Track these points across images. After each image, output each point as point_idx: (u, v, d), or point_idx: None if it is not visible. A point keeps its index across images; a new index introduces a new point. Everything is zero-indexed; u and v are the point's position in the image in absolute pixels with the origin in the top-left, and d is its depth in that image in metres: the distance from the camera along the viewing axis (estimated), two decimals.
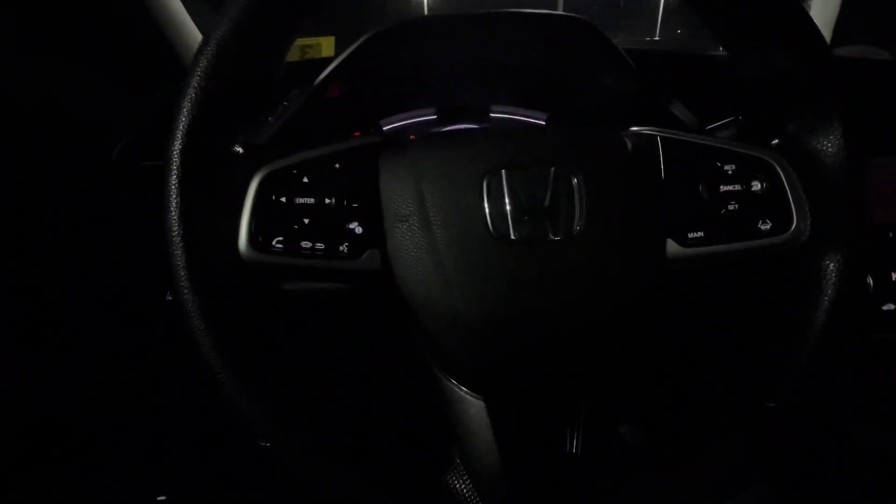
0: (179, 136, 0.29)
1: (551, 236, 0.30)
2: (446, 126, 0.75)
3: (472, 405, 0.33)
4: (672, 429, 0.48)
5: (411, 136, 0.74)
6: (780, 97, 0.35)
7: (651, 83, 0.57)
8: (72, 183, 0.51)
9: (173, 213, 0.28)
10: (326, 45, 0.82)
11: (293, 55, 0.77)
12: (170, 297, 0.51)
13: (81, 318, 0.54)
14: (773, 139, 0.36)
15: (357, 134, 0.71)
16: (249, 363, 0.30)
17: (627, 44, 0.65)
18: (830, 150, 0.33)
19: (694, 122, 0.58)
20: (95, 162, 0.51)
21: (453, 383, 0.33)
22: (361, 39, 0.54)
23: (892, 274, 0.51)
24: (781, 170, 0.33)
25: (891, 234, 0.52)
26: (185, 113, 0.29)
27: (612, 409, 0.35)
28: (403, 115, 0.73)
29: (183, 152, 0.29)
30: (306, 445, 0.30)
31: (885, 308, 0.50)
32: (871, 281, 0.50)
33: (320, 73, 0.58)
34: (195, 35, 0.62)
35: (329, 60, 0.60)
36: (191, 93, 0.29)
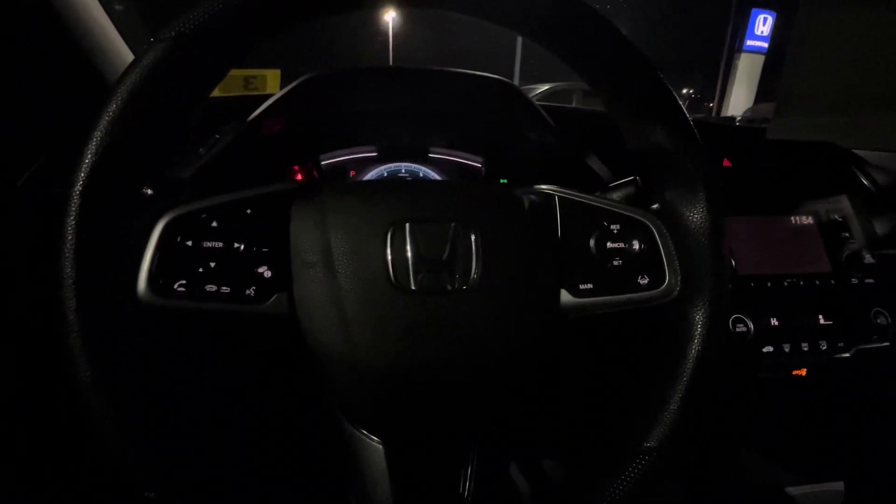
0: (82, 177, 0.29)
1: (448, 287, 0.33)
2: (386, 164, 0.78)
3: (371, 449, 0.34)
4: (562, 469, 0.51)
5: (351, 173, 0.76)
6: (657, 168, 0.39)
7: (569, 139, 0.62)
8: None
9: (67, 254, 0.28)
10: (272, 78, 0.83)
11: (236, 88, 0.78)
12: None
13: None
14: (654, 203, 0.40)
15: (297, 168, 0.72)
16: (139, 414, 0.29)
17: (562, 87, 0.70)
18: (696, 218, 0.37)
19: (607, 175, 0.64)
20: None
21: (353, 427, 0.34)
22: (296, 82, 0.56)
23: (772, 320, 0.58)
24: (657, 231, 0.38)
25: (769, 285, 0.59)
26: (91, 154, 0.29)
27: (503, 452, 0.37)
28: (343, 150, 0.75)
29: (84, 193, 0.29)
30: (196, 497, 0.29)
31: (765, 350, 0.57)
32: (751, 326, 0.56)
33: (258, 104, 0.59)
34: (123, 57, 0.61)
35: (269, 97, 0.61)
36: (97, 134, 0.29)
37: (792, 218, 0.64)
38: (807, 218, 0.64)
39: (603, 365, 0.51)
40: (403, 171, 0.78)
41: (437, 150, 0.78)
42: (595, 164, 0.64)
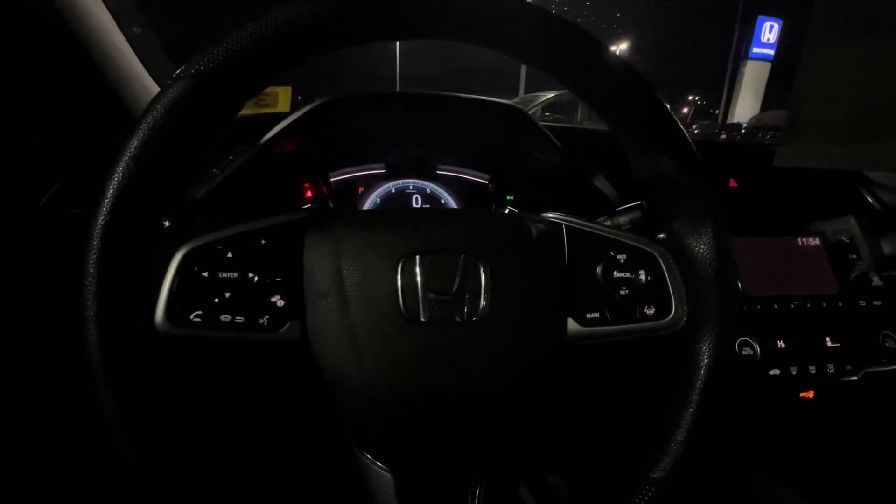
0: (104, 212, 0.29)
1: (458, 318, 0.33)
2: (394, 180, 0.79)
3: (380, 476, 0.34)
4: (569, 495, 0.51)
5: (360, 189, 0.77)
6: (663, 196, 0.40)
7: (575, 159, 0.63)
8: None
9: (89, 288, 0.29)
10: (283, 95, 0.84)
11: (248, 105, 0.79)
12: None
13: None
14: (661, 232, 0.41)
15: (307, 185, 0.73)
16: (158, 444, 0.30)
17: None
18: (703, 249, 0.38)
19: (615, 196, 0.64)
20: (21, 208, 0.50)
21: (363, 454, 0.35)
22: (311, 105, 0.57)
23: (779, 342, 0.58)
24: (663, 262, 0.38)
25: (776, 307, 0.59)
26: (112, 189, 0.30)
27: (511, 478, 0.37)
28: (353, 168, 0.76)
29: (105, 227, 0.29)
30: None
31: (771, 373, 0.57)
32: (758, 349, 0.56)
33: (270, 123, 0.60)
34: (141, 80, 0.62)
35: (280, 115, 0.62)
36: (119, 170, 0.30)
37: (799, 239, 0.64)
38: (814, 239, 0.64)
39: (610, 393, 0.51)
40: (411, 187, 0.79)
41: (444, 167, 0.79)
42: (602, 184, 0.64)
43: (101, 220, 0.30)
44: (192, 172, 0.35)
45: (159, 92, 0.31)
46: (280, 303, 0.34)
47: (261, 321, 0.33)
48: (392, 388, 0.32)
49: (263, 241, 0.34)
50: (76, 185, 0.53)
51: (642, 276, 0.38)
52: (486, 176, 0.78)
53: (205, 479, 0.32)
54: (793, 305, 0.60)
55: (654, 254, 0.38)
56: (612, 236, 0.39)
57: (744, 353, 0.56)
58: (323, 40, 0.31)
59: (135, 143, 0.30)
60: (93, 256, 0.29)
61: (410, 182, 0.79)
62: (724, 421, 0.56)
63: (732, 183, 0.67)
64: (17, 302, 0.50)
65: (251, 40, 0.31)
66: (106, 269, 0.29)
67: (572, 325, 0.37)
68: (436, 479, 0.34)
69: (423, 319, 0.33)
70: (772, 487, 0.60)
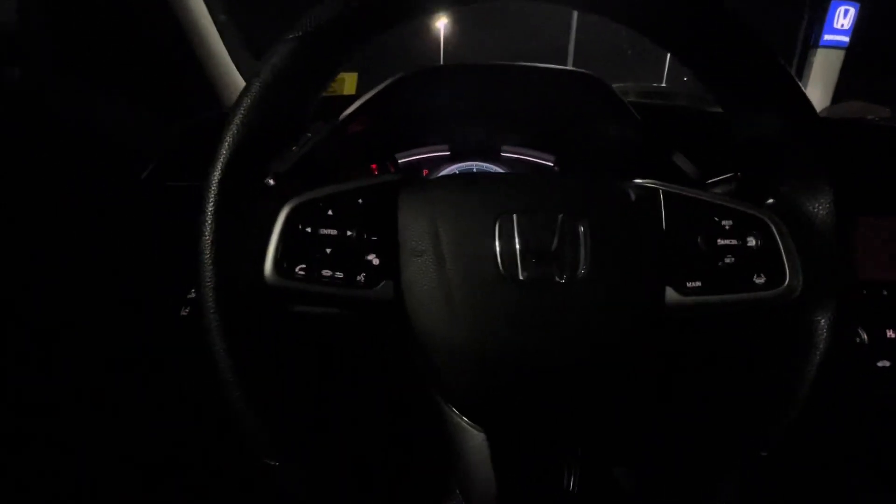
0: (219, 167, 0.31)
1: (557, 279, 0.32)
2: (458, 162, 0.79)
3: (474, 437, 0.34)
4: (668, 472, 0.48)
5: (424, 171, 0.78)
6: (773, 159, 0.37)
7: (654, 135, 0.60)
8: (103, 199, 0.54)
9: (207, 238, 0.31)
10: (349, 81, 0.86)
11: None
12: (185, 313, 0.52)
13: (106, 324, 0.56)
14: (769, 198, 0.38)
15: (374, 166, 0.74)
16: (263, 386, 0.31)
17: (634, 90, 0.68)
18: (821, 212, 0.35)
19: (695, 173, 0.61)
20: (126, 181, 0.54)
21: (457, 415, 0.34)
22: (386, 82, 0.58)
23: (888, 331, 0.52)
24: (775, 228, 0.35)
25: (885, 293, 0.54)
26: (226, 148, 0.31)
27: (609, 449, 0.36)
28: (418, 150, 0.77)
29: (221, 182, 0.31)
30: (311, 470, 0.31)
31: (880, 365, 0.51)
32: (865, 337, 0.51)
33: (338, 105, 0.62)
34: (230, 71, 0.66)
35: (349, 97, 0.64)
36: (232, 129, 0.31)
37: None
38: None
39: (712, 367, 0.48)
40: (475, 169, 0.79)
41: (509, 148, 0.78)
42: (682, 161, 0.61)
43: (216, 175, 0.31)
44: (294, 133, 0.36)
45: (268, 53, 0.32)
46: (375, 261, 0.34)
47: (358, 278, 0.34)
48: (487, 346, 0.32)
49: (361, 201, 0.35)
50: (172, 160, 0.56)
51: (751, 242, 0.35)
52: (552, 157, 0.77)
53: (305, 430, 0.33)
54: None
55: (765, 219, 0.36)
56: (715, 201, 0.37)
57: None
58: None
59: (246, 102, 0.32)
60: (210, 209, 0.31)
61: (474, 164, 0.78)
62: (827, 413, 0.51)
63: None
64: (128, 262, 0.54)
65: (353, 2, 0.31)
66: (222, 221, 0.31)
67: (671, 294, 0.35)
68: (532, 442, 0.34)
69: (521, 278, 0.32)
70: (876, 490, 0.55)
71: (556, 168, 0.76)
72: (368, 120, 0.64)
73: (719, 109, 0.62)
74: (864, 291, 0.54)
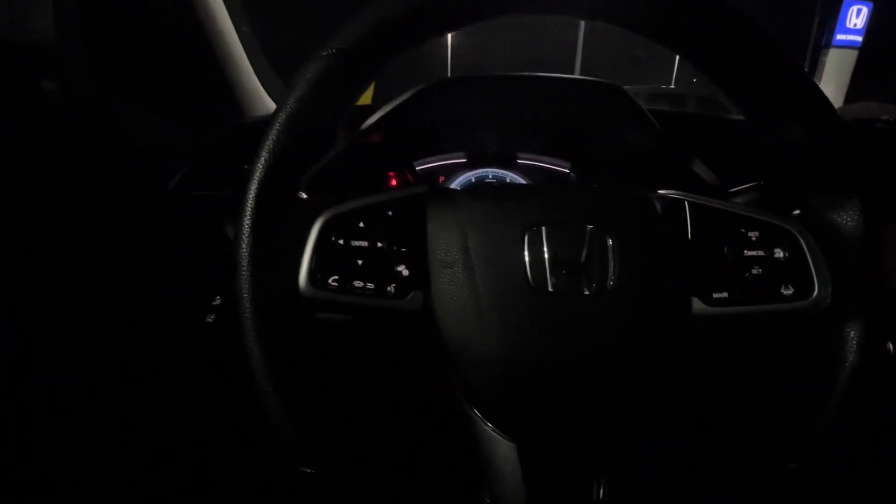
0: (256, 182, 0.32)
1: (585, 290, 0.33)
2: (474, 170, 0.79)
3: (504, 447, 0.34)
4: (697, 484, 0.48)
5: (440, 178, 0.79)
6: (797, 168, 0.37)
7: (673, 142, 0.60)
8: (132, 208, 0.55)
9: (244, 251, 0.31)
10: (366, 92, 0.87)
11: None
12: (210, 319, 0.53)
13: (133, 329, 0.57)
14: (794, 208, 0.38)
15: (392, 174, 0.75)
16: (299, 395, 0.32)
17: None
18: (849, 223, 0.35)
19: (714, 182, 0.61)
20: (154, 190, 0.56)
21: (487, 425, 0.35)
22: (409, 93, 0.59)
23: None
24: (802, 239, 0.35)
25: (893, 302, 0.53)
26: (263, 162, 0.32)
27: (637, 460, 0.36)
28: (435, 157, 0.78)
29: (257, 197, 0.32)
30: (344, 477, 0.32)
31: None
32: (891, 347, 0.51)
33: (356, 115, 0.63)
34: (252, 81, 0.67)
35: (366, 107, 0.65)
36: (268, 144, 0.32)
37: None
38: None
39: (740, 379, 0.48)
40: (490, 176, 0.79)
41: (524, 155, 0.79)
42: (701, 169, 0.61)
43: (253, 189, 0.32)
44: (326, 146, 0.37)
45: (303, 68, 0.33)
46: (405, 272, 0.35)
47: (388, 289, 0.34)
48: (517, 356, 0.32)
49: (391, 213, 0.36)
50: (198, 170, 0.58)
51: (778, 254, 0.35)
52: (567, 164, 0.77)
53: (337, 439, 0.33)
54: None
55: (793, 230, 0.36)
56: (741, 212, 0.37)
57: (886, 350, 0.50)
58: (467, 10, 0.32)
59: (282, 117, 0.33)
60: (247, 223, 0.32)
61: (490, 171, 0.79)
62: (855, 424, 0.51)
63: None
64: (153, 270, 0.55)
65: (390, 15, 0.32)
66: (258, 234, 0.32)
67: (698, 305, 0.35)
68: (561, 453, 0.34)
69: (550, 289, 0.33)
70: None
71: (571, 174, 0.76)
72: (388, 129, 0.65)
73: (738, 116, 0.62)
74: (894, 301, 0.53)
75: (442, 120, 0.70)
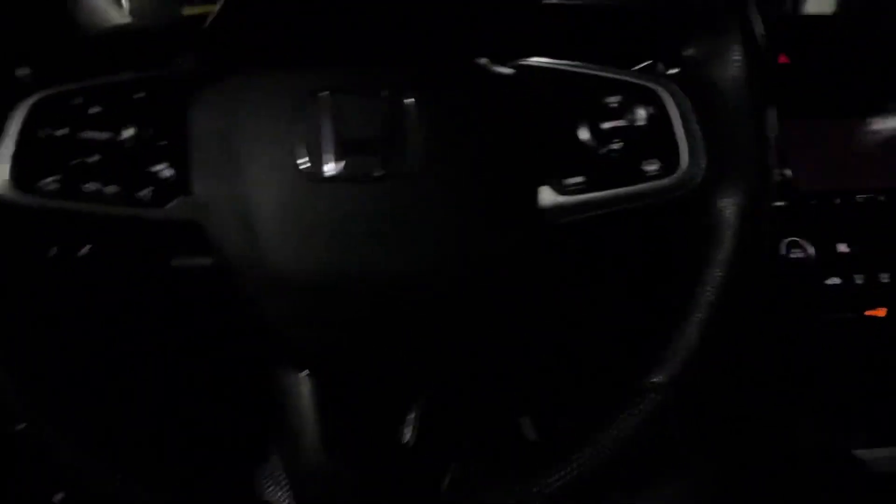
0: None
1: (375, 173, 0.25)
2: None
3: (296, 381, 0.27)
4: (550, 414, 0.43)
5: None
6: (677, 18, 0.30)
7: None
8: None
9: None
10: None
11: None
12: None
13: None
14: (673, 68, 0.30)
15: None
16: (17, 345, 0.25)
17: None
18: (728, 76, 0.27)
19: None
20: None
21: (275, 355, 0.28)
22: None
23: (838, 245, 0.46)
24: (672, 97, 0.28)
25: (837, 201, 0.47)
26: None
27: (462, 393, 0.30)
28: None
29: None
30: (72, 436, 0.24)
31: (829, 283, 0.45)
32: (812, 251, 0.44)
33: None
34: None
35: None
36: None
37: (867, 120, 0.50)
38: (890, 120, 0.50)
39: (602, 281, 0.42)
40: None
41: None
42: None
43: None
44: (48, 11, 0.28)
45: None
46: (167, 173, 0.27)
47: (140, 193, 0.26)
48: (303, 266, 0.25)
49: (143, 95, 0.27)
50: None
51: (640, 119, 0.28)
52: None
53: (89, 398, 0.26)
54: (859, 200, 0.47)
55: (656, 87, 0.28)
56: (601, 74, 0.29)
57: (792, 255, 0.44)
58: None
59: None
60: None
61: None
62: (766, 339, 0.45)
63: (782, 59, 0.53)
64: None
65: None
66: None
67: (548, 194, 0.28)
68: (364, 387, 0.27)
69: (332, 174, 0.25)
70: (826, 424, 0.50)
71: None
72: None
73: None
74: (813, 202, 0.47)
75: None
